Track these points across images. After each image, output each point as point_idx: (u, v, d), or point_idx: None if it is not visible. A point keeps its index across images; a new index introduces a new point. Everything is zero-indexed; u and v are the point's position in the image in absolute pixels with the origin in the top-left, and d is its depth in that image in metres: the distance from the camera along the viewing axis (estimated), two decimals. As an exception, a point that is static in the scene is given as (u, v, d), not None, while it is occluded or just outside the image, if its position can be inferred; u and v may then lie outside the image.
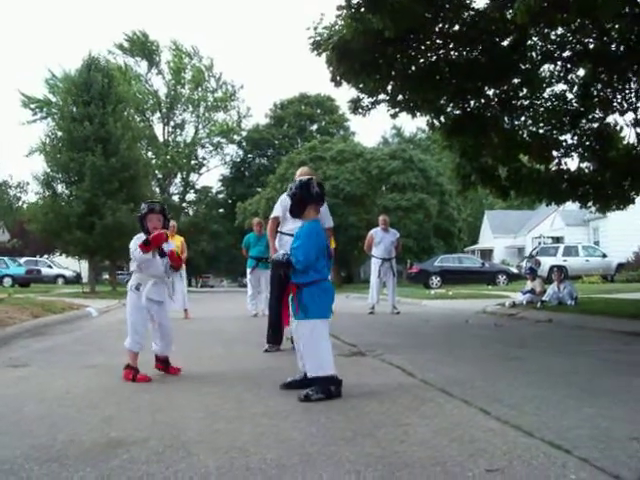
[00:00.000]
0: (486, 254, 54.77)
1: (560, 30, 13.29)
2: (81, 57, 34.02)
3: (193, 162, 64.60)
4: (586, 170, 15.09)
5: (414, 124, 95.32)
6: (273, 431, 4.00)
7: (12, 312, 12.19)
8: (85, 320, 14.49)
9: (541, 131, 14.90)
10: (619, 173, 14.34)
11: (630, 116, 14.24)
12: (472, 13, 12.20)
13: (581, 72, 14.30)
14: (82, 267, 36.56)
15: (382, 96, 13.89)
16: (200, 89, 62.93)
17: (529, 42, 13.42)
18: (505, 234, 55.73)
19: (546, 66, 14.28)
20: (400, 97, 13.85)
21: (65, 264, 44.79)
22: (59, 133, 32.75)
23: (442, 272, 34.11)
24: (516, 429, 3.91)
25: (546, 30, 12.99)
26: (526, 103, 14.68)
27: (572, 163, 15.25)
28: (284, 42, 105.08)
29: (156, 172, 56.97)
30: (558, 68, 14.27)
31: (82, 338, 10.44)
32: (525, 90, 14.35)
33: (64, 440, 3.86)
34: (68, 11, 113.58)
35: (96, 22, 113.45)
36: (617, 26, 12.25)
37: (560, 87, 14.57)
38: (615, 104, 14.21)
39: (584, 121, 14.73)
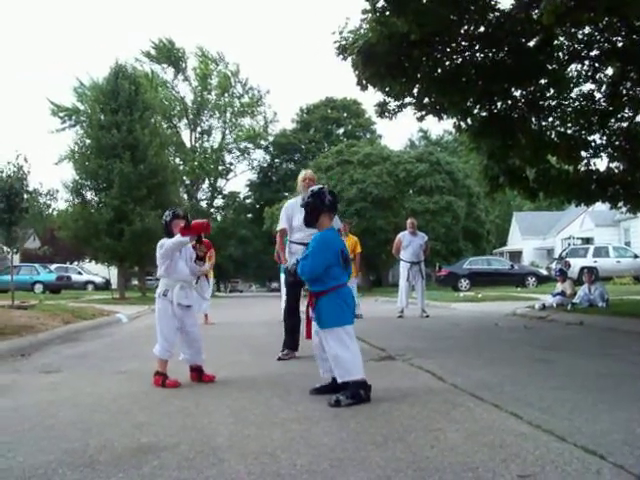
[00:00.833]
0: (515, 256, 54.34)
1: (587, 29, 13.18)
2: (109, 65, 34.30)
3: (220, 168, 64.78)
4: (616, 170, 14.94)
5: (441, 126, 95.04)
6: (303, 436, 4.00)
7: (44, 318, 12.33)
8: (115, 326, 14.59)
9: (569, 131, 14.79)
10: (650, 173, 14.20)
11: (660, 115, 14.11)
12: (497, 14, 12.14)
13: (609, 71, 14.19)
14: (111, 273, 36.81)
15: (408, 99, 13.88)
16: (226, 95, 63.13)
17: (556, 42, 13.33)
18: (534, 235, 55.26)
19: (573, 66, 14.17)
20: (426, 100, 13.84)
21: (95, 270, 45.16)
22: (87, 141, 33.10)
23: (471, 274, 33.92)
24: (548, 434, 3.87)
25: (573, 29, 12.89)
26: (553, 103, 14.58)
27: (601, 163, 15.16)
28: (310, 47, 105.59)
29: (184, 178, 57.19)
30: (586, 67, 14.15)
31: (113, 344, 10.52)
32: (552, 90, 14.25)
33: (96, 445, 3.89)
34: (96, 20, 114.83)
35: (124, 30, 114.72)
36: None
37: (588, 86, 14.47)
38: (645, 103, 14.08)
39: (613, 120, 14.60)
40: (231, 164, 66.50)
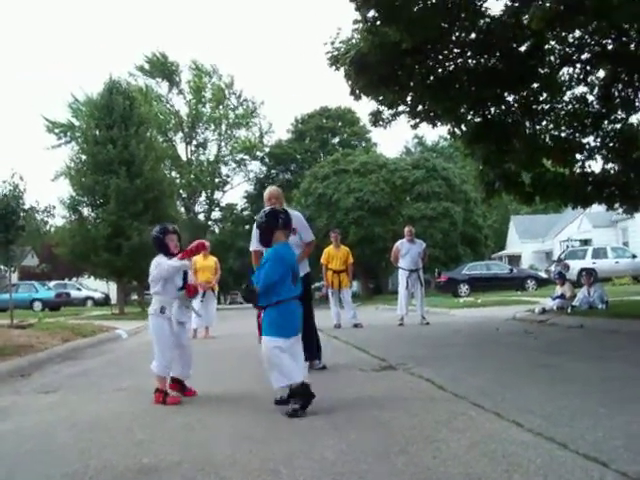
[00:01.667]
0: (514, 260, 54.34)
1: (577, 32, 13.22)
2: (103, 80, 34.29)
3: (217, 180, 64.92)
4: (611, 172, 14.95)
5: (436, 132, 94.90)
6: (304, 450, 3.99)
7: (43, 337, 12.30)
8: (115, 342, 14.57)
9: (563, 134, 14.80)
10: (644, 173, 14.20)
11: (653, 115, 14.13)
12: (488, 20, 12.17)
13: (601, 73, 14.21)
14: (111, 288, 36.77)
15: (402, 107, 13.92)
16: (221, 107, 63.33)
17: (547, 46, 13.35)
18: (532, 239, 55.26)
19: (565, 69, 14.20)
20: (420, 107, 13.88)
21: (94, 286, 45.06)
22: (83, 157, 33.09)
23: (470, 280, 33.88)
24: (550, 441, 3.85)
25: (563, 33, 12.92)
26: (547, 107, 14.60)
27: (596, 165, 15.14)
28: (304, 57, 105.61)
29: (181, 191, 57.30)
30: (577, 71, 14.17)
31: (113, 361, 10.50)
32: (545, 94, 14.27)
33: (96, 467, 3.87)
34: (89, 35, 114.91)
35: (117, 45, 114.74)
36: (635, 25, 12.15)
37: (580, 89, 14.49)
38: (637, 104, 14.09)
39: (606, 122, 14.62)
40: (227, 176, 66.68)
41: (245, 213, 66.73)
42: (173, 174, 56.92)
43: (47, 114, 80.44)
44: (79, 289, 44.98)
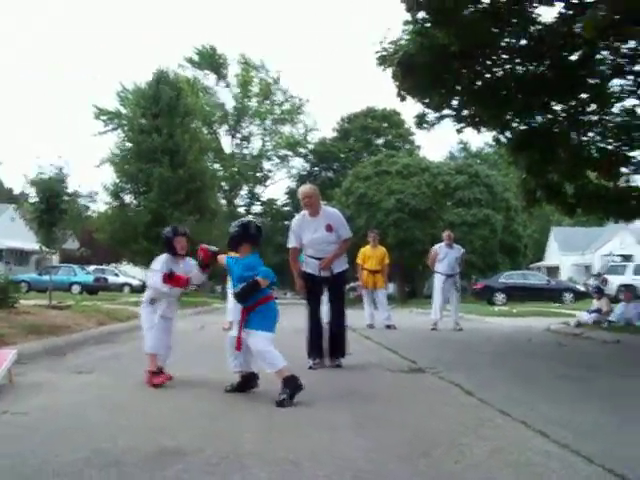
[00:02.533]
0: (552, 271, 53.81)
1: (631, 43, 13.02)
2: (151, 70, 34.68)
3: (259, 174, 65.08)
4: (656, 187, 14.74)
5: (481, 138, 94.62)
6: (327, 446, 4.00)
7: (79, 319, 12.47)
8: (149, 329, 14.70)
9: (610, 147, 14.60)
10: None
11: None
12: (539, 27, 12.04)
13: (652, 86, 13.98)
14: (148, 276, 37.13)
15: (447, 111, 13.84)
16: (267, 102, 63.45)
17: (598, 56, 13.16)
18: (572, 251, 54.67)
19: (616, 80, 13.98)
20: (465, 112, 13.78)
21: (132, 273, 45.57)
22: (128, 144, 33.45)
23: (507, 289, 33.58)
24: (575, 454, 3.81)
25: (616, 43, 12.73)
26: (594, 118, 14.39)
27: (642, 180, 14.92)
28: (352, 56, 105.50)
29: (222, 184, 57.53)
30: (629, 82, 13.95)
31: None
32: (594, 105, 14.08)
33: (123, 447, 3.94)
34: (140, 26, 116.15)
35: (167, 36, 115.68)
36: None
37: (631, 102, 14.25)
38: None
39: (655, 137, 14.38)
40: (270, 171, 66.74)
41: (286, 209, 66.88)
42: (216, 166, 57.17)
43: (96, 101, 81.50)
44: (117, 275, 45.43)
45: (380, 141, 64.45)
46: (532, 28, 12.01)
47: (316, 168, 66.07)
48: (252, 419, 4.84)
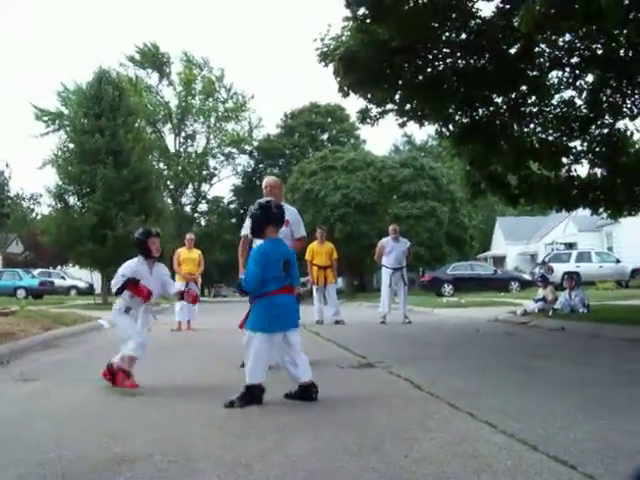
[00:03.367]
0: (499, 261, 54.57)
1: (567, 37, 13.27)
2: (92, 70, 34.03)
3: (204, 172, 64.67)
4: (597, 176, 15.03)
5: (425, 131, 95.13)
6: (279, 446, 4.00)
7: (24, 325, 12.21)
8: (96, 332, 14.51)
9: (550, 138, 14.86)
10: (630, 179, 14.28)
11: (641, 121, 14.20)
12: (479, 21, 12.21)
13: (590, 78, 14.27)
14: (95, 278, 36.59)
15: (390, 106, 13.94)
16: (211, 99, 63.07)
17: (536, 49, 13.39)
18: (517, 241, 55.47)
19: (554, 73, 14.25)
20: (408, 106, 13.89)
21: (78, 275, 44.88)
22: (71, 145, 32.87)
23: (454, 280, 34.00)
24: (521, 443, 3.87)
25: (553, 37, 12.95)
26: (535, 110, 14.66)
27: (582, 169, 15.21)
28: (295, 52, 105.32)
29: (168, 183, 57.03)
30: (566, 74, 14.22)
31: (92, 351, 10.45)
32: (534, 97, 14.33)
33: (70, 457, 3.86)
34: (80, 24, 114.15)
35: (108, 34, 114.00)
36: (625, 31, 12.21)
37: (569, 93, 14.55)
38: (625, 109, 14.17)
39: (594, 127, 14.69)
40: (215, 169, 66.42)
41: (232, 206, 66.61)
42: (161, 165, 56.68)
43: (37, 102, 79.96)
44: (63, 278, 44.73)
45: (325, 136, 64.60)
46: (472, 22, 12.18)
47: (261, 165, 65.87)
48: (203, 421, 4.81)
